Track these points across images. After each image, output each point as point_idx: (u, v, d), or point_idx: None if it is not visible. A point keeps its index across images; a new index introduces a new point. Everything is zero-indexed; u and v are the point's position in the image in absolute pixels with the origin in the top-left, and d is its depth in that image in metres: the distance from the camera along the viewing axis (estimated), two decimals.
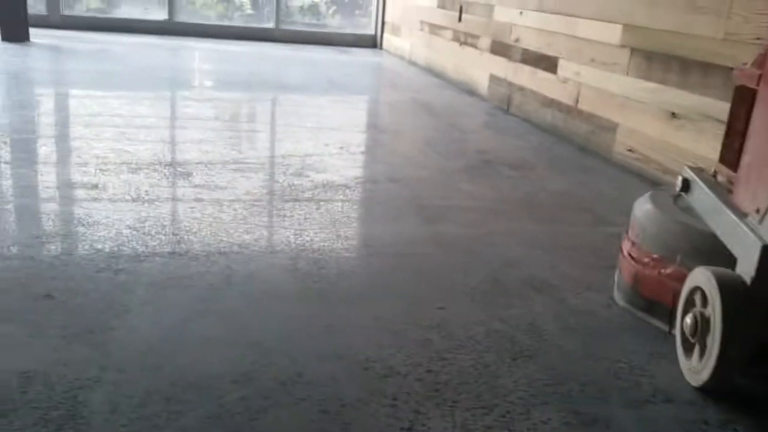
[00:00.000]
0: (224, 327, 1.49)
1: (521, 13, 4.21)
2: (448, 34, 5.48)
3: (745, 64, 1.64)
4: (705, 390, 1.37)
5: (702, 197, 1.59)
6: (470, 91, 5.00)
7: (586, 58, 3.45)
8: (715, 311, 1.31)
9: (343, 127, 3.61)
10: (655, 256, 1.63)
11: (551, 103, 3.81)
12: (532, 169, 3.07)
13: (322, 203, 2.35)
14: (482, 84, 4.81)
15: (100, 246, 1.84)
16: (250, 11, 7.85)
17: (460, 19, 5.22)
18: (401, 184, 2.65)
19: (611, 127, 3.24)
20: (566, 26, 3.67)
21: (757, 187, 1.38)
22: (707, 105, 2.61)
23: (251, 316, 1.54)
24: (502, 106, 4.46)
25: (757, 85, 1.51)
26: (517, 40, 4.27)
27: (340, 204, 2.37)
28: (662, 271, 1.61)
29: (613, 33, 3.22)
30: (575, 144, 3.54)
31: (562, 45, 3.71)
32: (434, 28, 5.82)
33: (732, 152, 1.60)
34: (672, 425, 1.28)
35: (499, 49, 4.53)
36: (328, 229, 2.11)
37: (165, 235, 1.96)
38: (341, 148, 3.14)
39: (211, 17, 7.75)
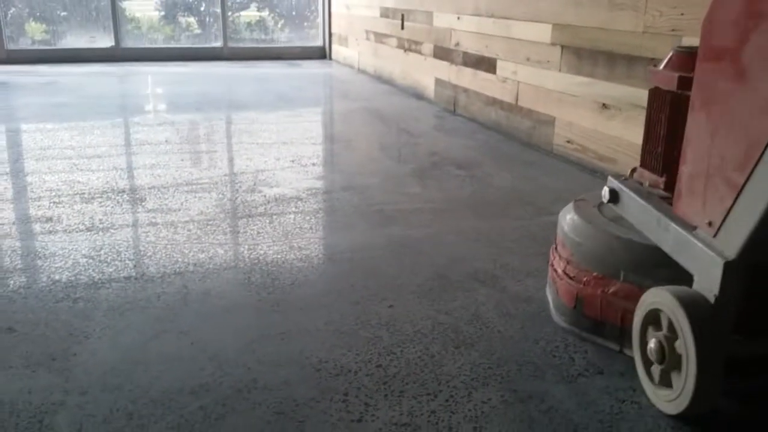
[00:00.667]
0: (182, 344, 1.56)
1: (459, 18, 4.34)
2: (393, 41, 5.60)
3: (656, 65, 1.61)
4: (684, 417, 1.29)
5: (637, 209, 1.52)
6: (418, 96, 5.12)
7: (522, 58, 3.59)
8: (686, 338, 1.24)
9: (296, 141, 3.69)
10: (595, 274, 1.56)
11: (494, 102, 3.95)
12: (479, 166, 3.19)
13: (275, 217, 2.43)
14: (429, 88, 4.94)
15: (57, 277, 1.89)
16: (197, 31, 7.88)
17: (402, 27, 5.34)
18: (353, 192, 2.74)
19: (550, 121, 3.38)
20: (501, 28, 3.81)
21: (707, 200, 1.29)
22: (634, 95, 2.76)
23: (208, 332, 1.62)
24: (449, 107, 4.59)
25: (679, 89, 1.48)
26: (457, 44, 4.40)
27: (292, 216, 2.45)
28: (606, 290, 1.54)
29: (544, 32, 3.37)
30: (519, 140, 3.68)
31: (498, 46, 3.85)
32: (379, 37, 5.94)
33: (655, 157, 1.58)
34: (602, 395, 1.39)
35: (442, 53, 4.66)
36: (281, 242, 2.19)
37: (121, 260, 2.02)
38: (293, 161, 3.22)
39: (158, 40, 7.76)
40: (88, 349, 1.53)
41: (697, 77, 1.34)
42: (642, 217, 1.49)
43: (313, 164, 3.25)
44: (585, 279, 1.58)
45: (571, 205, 1.73)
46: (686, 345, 1.23)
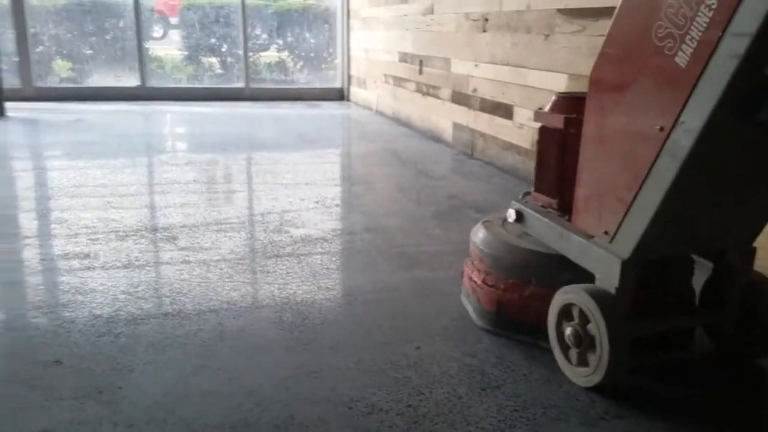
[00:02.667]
0: (220, 380, 1.64)
1: (476, 65, 4.48)
2: (412, 85, 5.76)
3: (541, 108, 1.94)
4: (598, 389, 1.60)
5: (540, 226, 1.85)
6: (436, 139, 5.25)
7: (538, 105, 3.70)
8: (598, 323, 1.55)
9: (318, 181, 3.80)
10: (511, 281, 1.86)
11: (510, 147, 4.06)
12: (497, 210, 3.27)
13: (302, 257, 2.52)
14: (447, 131, 5.06)
15: (98, 312, 1.99)
16: (219, 71, 8.11)
17: (421, 72, 5.50)
18: (376, 233, 2.84)
19: None
20: (517, 76, 3.93)
21: (601, 214, 1.64)
22: None
23: (244, 368, 1.69)
24: (467, 151, 4.71)
25: (568, 129, 1.79)
26: (474, 90, 4.54)
27: (319, 257, 2.54)
28: (522, 293, 1.84)
29: (559, 82, 3.49)
30: None
31: (514, 93, 3.98)
32: (398, 81, 6.10)
33: (547, 182, 1.92)
34: None
35: (460, 98, 4.79)
36: (309, 282, 2.27)
37: (158, 297, 2.11)
38: (317, 202, 3.32)
39: (181, 80, 7.98)
40: (132, 382, 1.61)
41: (587, 118, 1.67)
42: (546, 231, 1.82)
43: (336, 205, 3.35)
44: (503, 286, 1.88)
45: (480, 226, 2.05)
46: (598, 328, 1.55)
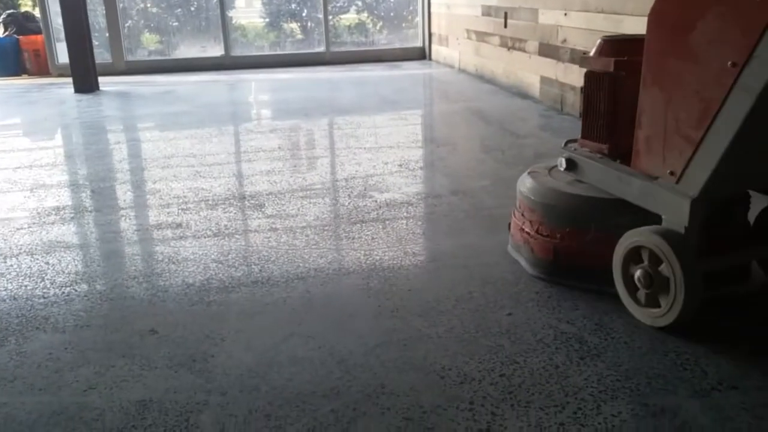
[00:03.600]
0: (310, 347, 1.63)
1: (566, 14, 4.25)
2: (496, 40, 5.56)
3: (586, 53, 1.93)
4: (671, 327, 1.60)
5: (596, 171, 1.83)
6: (522, 95, 5.06)
7: None
8: (672, 263, 1.54)
9: (401, 144, 3.74)
10: (567, 229, 1.86)
11: None
12: None
13: (387, 222, 2.48)
14: (534, 86, 4.87)
15: (191, 281, 2.02)
16: (300, 36, 8.12)
17: (506, 25, 5.29)
18: (462, 196, 2.76)
19: None
20: (612, 24, 3.70)
21: (666, 154, 1.62)
22: None
23: (333, 336, 1.68)
24: (556, 106, 4.51)
25: (618, 72, 1.77)
26: (564, 41, 4.32)
27: (404, 221, 2.49)
28: (581, 240, 1.83)
29: None
30: None
31: None
32: (481, 36, 5.91)
33: (597, 129, 1.88)
34: (738, 411, 1.34)
35: (548, 50, 4.58)
36: (395, 247, 2.23)
37: (247, 265, 2.12)
38: (401, 165, 3.27)
39: (264, 47, 8.05)
40: (224, 350, 1.62)
41: (647, 59, 1.65)
42: (603, 177, 1.81)
43: (420, 168, 3.28)
44: (559, 235, 1.88)
45: (526, 176, 2.03)
46: (672, 268, 1.55)
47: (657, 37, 1.62)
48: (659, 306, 1.61)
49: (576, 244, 1.85)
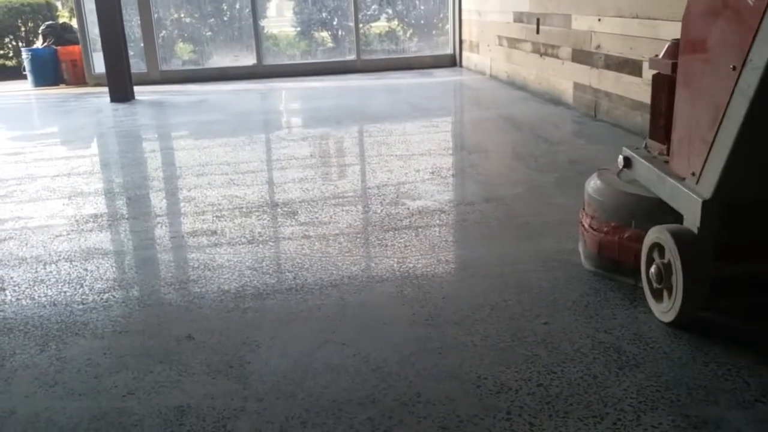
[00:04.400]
0: (345, 355, 1.63)
1: (600, 19, 4.21)
2: (527, 46, 5.53)
3: (657, 55, 1.95)
4: (675, 324, 1.64)
5: (644, 170, 1.88)
6: (555, 101, 5.02)
7: None
8: (674, 258, 1.58)
9: (433, 151, 3.73)
10: (613, 224, 1.91)
11: (640, 106, 3.79)
12: None
13: (420, 230, 2.48)
14: (567, 92, 4.83)
15: (226, 287, 2.04)
16: (330, 45, 8.17)
17: (538, 31, 5.26)
18: (496, 204, 2.74)
19: None
20: (647, 29, 3.65)
21: (690, 155, 1.65)
22: None
23: (368, 344, 1.68)
24: (590, 113, 4.46)
25: (673, 72, 1.80)
26: (598, 47, 4.27)
27: (437, 229, 2.49)
28: (622, 235, 1.88)
29: None
30: None
31: (644, 48, 3.70)
32: (513, 42, 5.88)
33: (658, 129, 1.92)
34: None
35: (581, 56, 4.54)
36: (428, 255, 2.23)
37: (281, 272, 2.14)
38: (432, 173, 3.26)
39: (295, 56, 8.12)
40: (260, 357, 1.63)
41: (681, 61, 1.72)
42: (648, 175, 1.85)
43: (453, 175, 3.27)
44: (605, 229, 1.93)
45: (595, 174, 2.08)
46: (675, 266, 1.58)
47: (685, 40, 1.69)
48: (668, 300, 1.66)
49: (617, 239, 1.90)
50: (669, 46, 1.90)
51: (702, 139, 1.60)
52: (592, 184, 2.05)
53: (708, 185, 1.57)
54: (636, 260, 1.82)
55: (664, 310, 1.67)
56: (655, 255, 1.69)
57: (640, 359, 1.54)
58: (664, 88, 1.88)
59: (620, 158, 2.01)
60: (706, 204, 1.56)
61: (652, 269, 1.69)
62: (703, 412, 1.35)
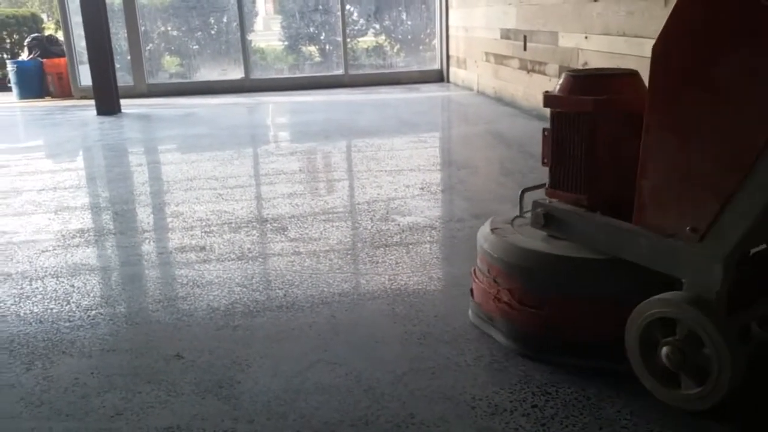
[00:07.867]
0: (337, 375, 1.61)
1: (586, 37, 4.25)
2: (515, 62, 5.56)
3: (549, 91, 1.69)
4: (710, 411, 1.36)
5: (587, 227, 1.58)
6: (542, 117, 5.04)
7: None
8: (714, 341, 1.31)
9: (421, 167, 3.73)
10: (560, 296, 1.59)
11: None
12: None
13: (411, 246, 2.47)
14: None
15: (215, 305, 2.01)
16: (318, 59, 8.18)
17: (525, 48, 5.30)
18: (485, 220, 2.73)
19: None
20: (634, 47, 3.69)
21: (685, 208, 1.39)
22: None
23: (359, 363, 1.66)
24: None
25: (599, 112, 1.57)
26: (585, 64, 4.31)
27: (428, 246, 2.48)
28: (580, 310, 1.57)
29: None
30: None
31: (632, 66, 3.73)
32: (500, 58, 5.92)
33: (571, 177, 1.66)
34: None
35: None
36: (420, 272, 2.22)
37: (271, 290, 2.11)
38: (422, 188, 3.26)
39: (283, 70, 8.12)
40: (251, 377, 1.61)
41: (654, 100, 1.42)
42: (596, 234, 1.56)
43: (442, 191, 3.27)
44: (549, 304, 1.59)
45: (490, 234, 1.76)
46: (715, 347, 1.31)
47: (664, 74, 1.41)
48: (694, 387, 1.38)
49: (574, 315, 1.59)
50: (572, 81, 1.65)
51: (711, 189, 1.34)
52: (504, 247, 1.71)
53: (723, 242, 1.33)
54: (604, 337, 1.54)
55: (698, 396, 1.37)
56: (656, 333, 1.42)
57: (634, 379, 1.53)
58: (580, 128, 1.61)
59: (538, 216, 1.69)
60: (727, 264, 1.33)
61: (666, 350, 1.39)
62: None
